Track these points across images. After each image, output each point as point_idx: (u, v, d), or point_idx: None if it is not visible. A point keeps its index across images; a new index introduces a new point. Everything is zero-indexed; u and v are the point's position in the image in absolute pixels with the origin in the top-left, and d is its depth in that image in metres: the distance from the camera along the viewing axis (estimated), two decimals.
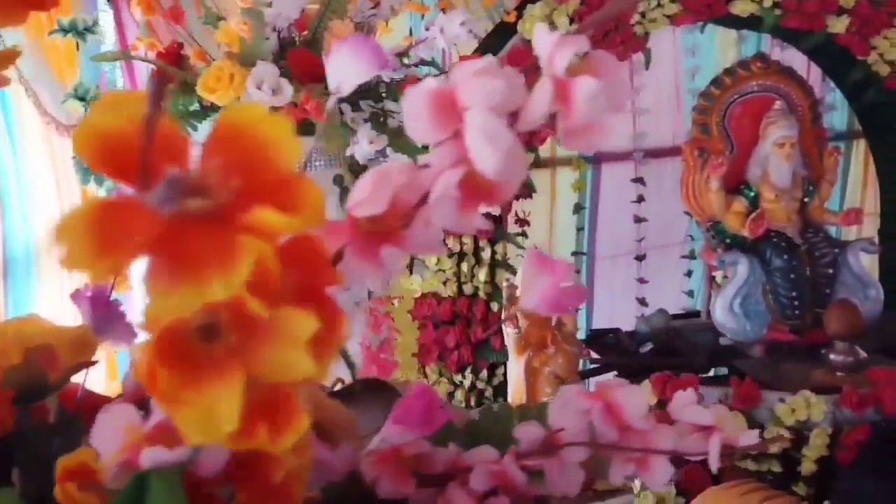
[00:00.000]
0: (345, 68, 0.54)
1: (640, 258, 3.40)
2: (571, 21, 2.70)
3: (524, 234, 3.28)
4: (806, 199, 2.88)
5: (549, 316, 2.16)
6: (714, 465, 0.57)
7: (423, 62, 2.49)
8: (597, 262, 3.49)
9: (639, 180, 3.32)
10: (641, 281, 3.42)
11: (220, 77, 2.38)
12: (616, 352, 2.96)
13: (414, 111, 0.44)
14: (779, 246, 2.78)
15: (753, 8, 2.88)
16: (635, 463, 0.58)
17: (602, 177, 3.41)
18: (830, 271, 2.80)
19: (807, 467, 2.34)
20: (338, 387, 0.71)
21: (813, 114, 2.94)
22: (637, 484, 2.20)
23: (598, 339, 3.08)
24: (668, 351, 2.87)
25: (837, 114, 3.52)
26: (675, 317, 3.15)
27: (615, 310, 3.40)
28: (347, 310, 0.41)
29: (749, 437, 0.61)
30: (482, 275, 2.83)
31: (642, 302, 3.40)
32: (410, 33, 2.96)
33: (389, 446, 0.54)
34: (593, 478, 0.57)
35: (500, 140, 0.42)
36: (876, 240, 2.93)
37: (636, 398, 0.59)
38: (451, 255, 2.79)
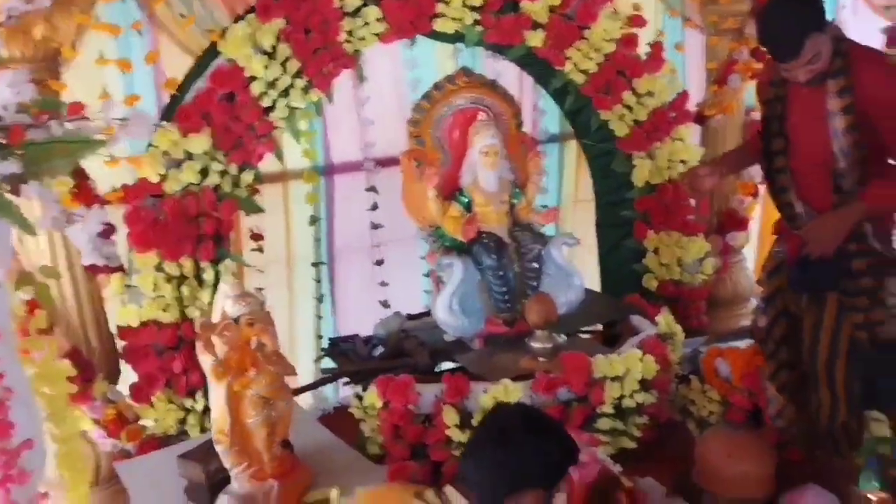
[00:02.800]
0: None
1: (378, 263, 3.54)
2: (278, 40, 2.74)
3: (260, 249, 3.30)
4: (514, 202, 3.15)
5: (247, 339, 2.20)
6: None
7: None
8: (337, 271, 3.58)
9: (372, 189, 3.45)
10: (382, 284, 3.57)
11: None
12: (350, 359, 3.08)
13: None
14: (489, 246, 3.01)
15: (456, 25, 3.09)
16: None
17: (335, 188, 3.50)
18: (536, 265, 3.08)
19: None
20: None
21: (516, 122, 3.21)
22: None
23: (335, 347, 3.19)
24: (398, 353, 3.02)
25: (550, 118, 3.85)
26: (415, 317, 3.33)
27: (360, 315, 3.51)
28: None
29: None
30: (206, 297, 2.82)
31: (384, 304, 3.55)
32: None
33: None
34: None
35: None
36: (575, 234, 3.25)
37: None
38: (169, 280, 2.75)
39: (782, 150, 2.34)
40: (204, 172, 2.74)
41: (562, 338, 2.90)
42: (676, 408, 3.03)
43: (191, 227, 2.74)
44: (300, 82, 2.82)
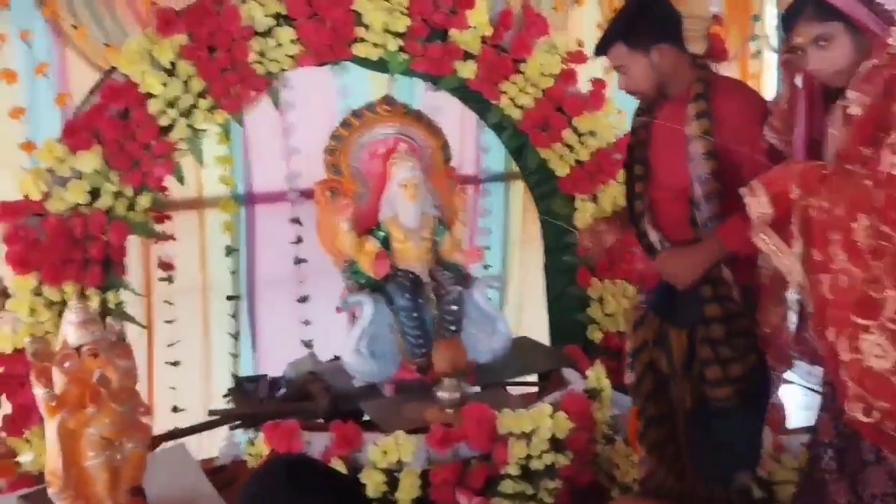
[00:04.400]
0: None
1: (302, 300, 3.34)
2: (179, 57, 2.60)
3: (170, 280, 3.11)
4: (437, 239, 2.95)
5: (90, 372, 1.99)
6: None
7: None
8: (257, 306, 3.38)
9: (296, 221, 3.27)
10: (305, 323, 3.36)
11: None
12: (249, 400, 2.86)
13: None
14: (403, 285, 2.80)
15: (379, 52, 2.94)
16: None
17: (257, 217, 3.33)
18: (455, 308, 2.86)
19: None
20: None
21: (444, 155, 3.03)
22: None
23: (239, 387, 2.97)
24: (302, 396, 2.80)
25: (495, 155, 3.67)
26: (337, 359, 3.11)
27: (283, 354, 3.29)
28: None
29: None
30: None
31: (307, 344, 3.33)
32: None
33: None
34: None
35: None
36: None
37: None
38: (49, 306, 2.56)
39: (641, 176, 2.20)
40: (95, 193, 2.58)
41: (472, 389, 2.67)
42: (603, 472, 2.76)
43: (76, 251, 2.55)
44: (205, 103, 2.66)
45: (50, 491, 1.96)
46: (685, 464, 2.16)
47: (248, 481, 1.23)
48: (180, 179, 2.72)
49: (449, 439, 2.37)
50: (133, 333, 2.92)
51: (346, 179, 2.90)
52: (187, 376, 3.18)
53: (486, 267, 3.67)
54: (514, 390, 3.21)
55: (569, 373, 2.96)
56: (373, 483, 2.31)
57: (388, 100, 2.94)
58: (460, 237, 3.01)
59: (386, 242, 2.88)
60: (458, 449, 2.41)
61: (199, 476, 2.60)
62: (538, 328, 3.63)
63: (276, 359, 3.30)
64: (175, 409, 3.08)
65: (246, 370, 3.31)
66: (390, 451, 2.34)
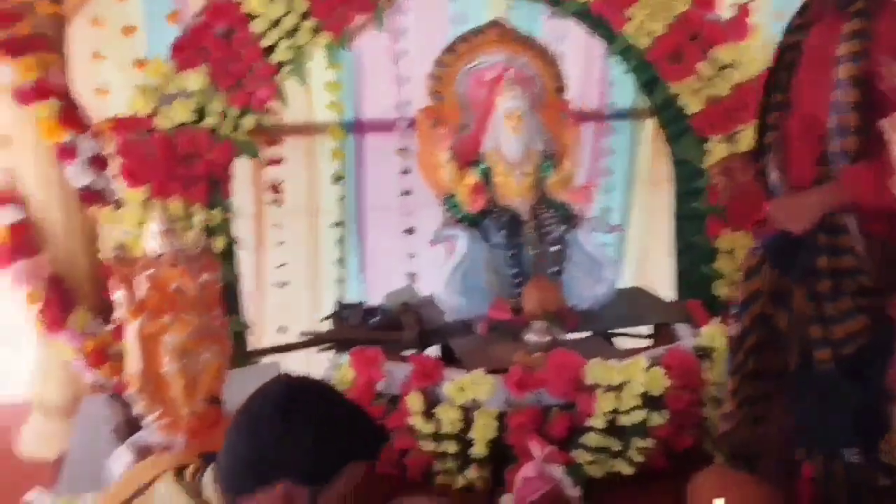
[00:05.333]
0: None
1: (408, 232, 3.27)
2: None
3: (278, 203, 3.16)
4: (543, 175, 2.76)
5: (169, 280, 2.03)
6: None
7: None
8: (366, 234, 3.35)
9: (403, 151, 3.18)
10: (410, 256, 3.30)
11: None
12: (343, 326, 2.86)
13: None
14: (500, 221, 2.66)
15: None
16: None
17: (366, 146, 3.27)
18: (556, 249, 2.68)
19: (477, 449, 2.24)
20: None
21: (556, 85, 2.81)
22: None
23: (337, 312, 2.98)
24: (393, 326, 2.75)
25: (621, 89, 3.36)
26: None
27: (386, 284, 3.26)
28: None
29: None
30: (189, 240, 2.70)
31: (411, 277, 3.28)
32: None
33: None
34: None
35: None
36: (612, 220, 2.80)
37: None
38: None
39: (779, 104, 1.88)
40: (202, 113, 2.63)
41: (567, 335, 2.50)
42: (710, 438, 2.51)
43: (181, 167, 2.62)
44: (308, 24, 2.61)
45: (128, 392, 2.04)
46: (772, 429, 1.89)
47: (248, 398, 1.17)
48: (284, 101, 2.71)
49: (527, 383, 2.23)
50: (245, 254, 3.02)
51: (448, 107, 2.77)
52: (294, 298, 3.24)
53: (605, 211, 3.43)
54: (626, 343, 3.01)
55: (682, 328, 2.71)
56: (448, 419, 2.23)
57: (497, 24, 2.76)
58: (569, 175, 2.80)
59: (487, 176, 2.74)
60: (539, 394, 2.26)
61: None
62: (662, 280, 3.35)
63: (382, 288, 3.28)
64: (281, 330, 3.16)
65: (352, 297, 3.31)
66: (467, 388, 2.24)
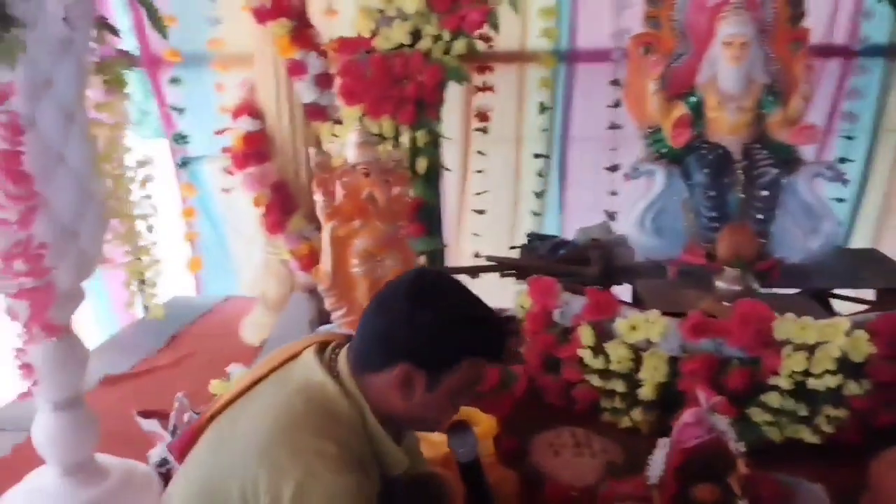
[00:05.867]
0: None
1: (612, 169, 3.16)
2: None
3: (484, 130, 3.20)
4: (764, 111, 2.51)
5: (361, 189, 2.16)
6: None
7: None
8: (569, 166, 3.26)
9: (616, 82, 3.05)
10: (612, 193, 3.19)
11: None
12: (531, 256, 2.87)
13: None
14: (705, 159, 2.47)
15: None
16: None
17: (577, 76, 3.15)
18: (766, 193, 2.44)
19: (645, 391, 2.17)
20: None
21: (790, 13, 2.50)
22: None
23: (529, 243, 2.99)
24: (580, 260, 2.72)
25: (878, 22, 2.91)
26: None
27: (585, 219, 3.18)
28: None
29: None
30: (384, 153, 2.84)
31: (610, 216, 3.19)
32: None
33: None
34: None
35: None
36: (851, 174, 2.47)
37: None
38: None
39: None
40: (417, 36, 2.73)
41: (769, 289, 2.29)
42: None
43: (394, 88, 2.76)
44: None
45: (319, 287, 2.25)
46: None
47: (386, 284, 1.25)
48: (495, 27, 2.72)
49: (703, 329, 2.09)
50: (450, 179, 3.13)
51: (664, 34, 2.60)
52: (492, 226, 3.31)
53: (842, 160, 3.04)
54: (847, 308, 2.69)
55: None
56: (616, 356, 2.18)
57: None
58: (796, 114, 2.51)
59: (698, 109, 2.55)
60: (720, 345, 2.12)
61: None
62: None
63: (579, 224, 3.24)
64: (476, 256, 3.26)
65: (550, 230, 3.31)
66: (639, 327, 2.17)
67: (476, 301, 1.25)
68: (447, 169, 2.96)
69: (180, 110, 3.28)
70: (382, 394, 1.21)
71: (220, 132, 2.90)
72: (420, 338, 1.16)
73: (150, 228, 2.65)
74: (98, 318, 3.39)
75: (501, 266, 2.80)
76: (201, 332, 3.10)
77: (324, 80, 2.84)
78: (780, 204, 2.47)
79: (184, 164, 3.22)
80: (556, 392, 2.35)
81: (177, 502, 1.24)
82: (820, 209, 2.46)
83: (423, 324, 1.16)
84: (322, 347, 1.30)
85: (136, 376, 2.62)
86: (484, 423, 1.93)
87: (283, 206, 2.90)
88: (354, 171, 2.17)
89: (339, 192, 2.16)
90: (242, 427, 1.21)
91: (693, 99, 2.55)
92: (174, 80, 3.23)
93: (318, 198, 2.16)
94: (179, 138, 3.29)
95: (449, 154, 3.08)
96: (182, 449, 1.36)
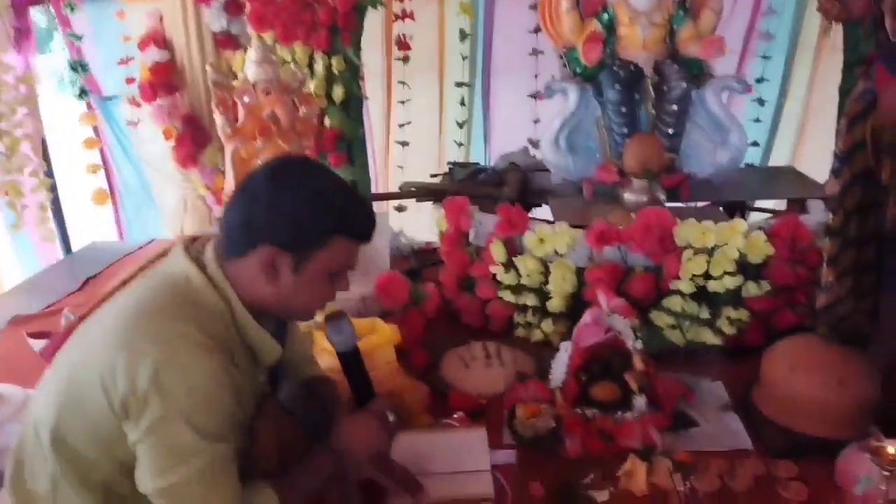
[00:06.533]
0: None
1: (534, 96, 3.15)
2: None
3: (405, 59, 3.16)
4: (675, 27, 2.51)
5: (264, 106, 2.11)
6: None
7: None
8: (491, 96, 3.25)
9: (535, 7, 3.01)
10: (535, 121, 3.19)
11: None
12: (450, 182, 2.86)
13: None
14: (616, 76, 2.47)
15: None
16: None
17: (497, 2, 3.11)
18: (675, 108, 2.46)
19: (554, 303, 2.19)
20: None
21: None
22: None
23: (450, 171, 2.98)
24: (497, 183, 2.72)
25: None
26: None
27: (509, 148, 3.18)
28: None
29: None
30: (312, 87, 2.79)
31: (533, 143, 3.18)
32: None
33: None
34: None
35: None
36: (748, 79, 2.49)
37: None
38: (282, 63, 2.77)
39: None
40: None
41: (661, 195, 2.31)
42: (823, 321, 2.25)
43: (306, 13, 2.69)
44: None
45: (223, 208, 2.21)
46: (880, 302, 1.65)
47: (249, 172, 1.23)
48: None
49: (608, 237, 2.11)
50: (377, 111, 3.08)
51: None
52: (418, 157, 3.29)
53: (759, 80, 3.07)
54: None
55: (815, 204, 2.41)
56: (526, 269, 2.19)
57: None
58: (706, 29, 2.51)
59: (609, 26, 2.54)
60: (626, 254, 2.14)
61: (383, 242, 2.73)
62: (822, 164, 2.98)
63: (504, 151, 3.23)
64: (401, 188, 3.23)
65: (477, 160, 3.30)
66: (547, 239, 2.18)
67: (340, 183, 1.23)
68: (365, 97, 2.92)
69: (79, 37, 3.12)
70: (250, 280, 1.19)
71: (123, 62, 2.80)
72: (281, 218, 1.15)
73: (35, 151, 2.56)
74: (21, 263, 3.30)
75: (420, 193, 2.79)
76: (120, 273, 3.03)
77: (233, 7, 2.77)
78: (690, 118, 2.48)
79: (83, 93, 3.07)
80: (473, 312, 2.36)
81: (42, 399, 1.21)
82: (728, 122, 2.48)
83: (284, 204, 1.14)
84: (191, 243, 1.28)
85: (43, 317, 2.57)
86: (385, 331, 1.93)
87: (194, 138, 2.84)
88: (254, 89, 2.12)
89: (241, 112, 2.12)
90: (105, 321, 1.19)
91: (605, 16, 2.53)
92: (70, 6, 3.06)
93: (218, 118, 2.12)
94: (79, 66, 3.14)
95: (371, 85, 3.03)
96: (54, 352, 1.34)
